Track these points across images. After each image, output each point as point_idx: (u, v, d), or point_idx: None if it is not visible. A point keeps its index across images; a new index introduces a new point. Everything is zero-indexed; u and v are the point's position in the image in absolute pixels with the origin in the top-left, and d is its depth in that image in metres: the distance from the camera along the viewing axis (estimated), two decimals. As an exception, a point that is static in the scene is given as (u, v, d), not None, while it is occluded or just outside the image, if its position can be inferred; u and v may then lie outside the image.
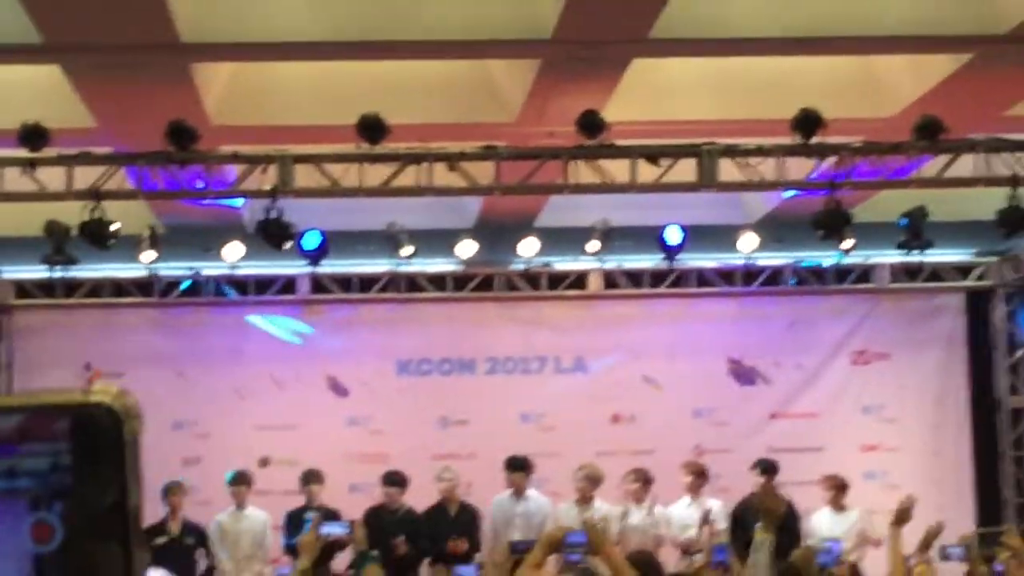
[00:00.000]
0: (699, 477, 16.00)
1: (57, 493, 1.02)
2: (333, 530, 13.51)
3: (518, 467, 15.96)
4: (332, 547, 14.31)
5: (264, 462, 17.42)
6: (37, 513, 1.02)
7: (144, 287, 17.90)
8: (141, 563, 1.04)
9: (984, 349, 18.90)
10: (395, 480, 15.89)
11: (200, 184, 14.51)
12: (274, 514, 15.95)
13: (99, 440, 1.01)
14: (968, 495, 18.52)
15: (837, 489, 15.81)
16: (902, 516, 10.65)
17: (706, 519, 15.31)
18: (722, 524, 15.46)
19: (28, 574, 1.03)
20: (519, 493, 15.90)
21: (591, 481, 15.79)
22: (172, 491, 15.36)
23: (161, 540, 14.89)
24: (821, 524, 15.60)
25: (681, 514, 15.85)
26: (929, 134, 13.99)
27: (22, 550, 1.02)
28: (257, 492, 16.20)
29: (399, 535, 15.35)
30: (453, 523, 15.63)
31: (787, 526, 15.35)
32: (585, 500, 15.66)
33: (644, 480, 15.90)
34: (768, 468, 16.16)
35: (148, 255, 16.76)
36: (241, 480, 15.80)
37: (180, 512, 15.42)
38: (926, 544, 10.74)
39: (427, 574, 15.88)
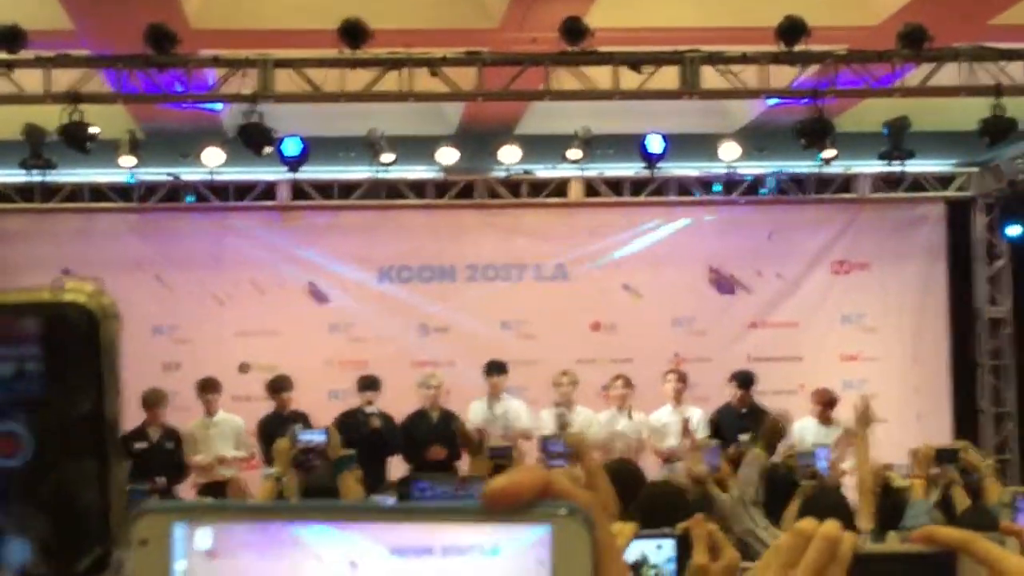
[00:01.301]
0: (681, 383, 16.02)
1: (26, 402, 0.96)
2: (310, 437, 13.50)
3: (496, 370, 15.95)
4: (309, 454, 14.29)
5: (244, 368, 17.41)
6: (3, 424, 0.97)
7: (123, 192, 17.81)
8: (119, 476, 0.98)
9: (964, 259, 18.93)
10: (367, 384, 15.87)
11: (180, 88, 14.42)
12: (253, 421, 15.92)
13: (72, 343, 0.95)
14: (946, 405, 18.63)
15: (826, 404, 15.81)
16: (863, 418, 10.62)
17: (686, 427, 15.36)
18: (702, 432, 15.49)
19: None
20: (496, 396, 15.89)
21: (573, 386, 15.80)
22: (152, 399, 15.32)
23: (141, 446, 14.88)
24: (806, 434, 15.62)
25: (663, 421, 15.87)
26: (913, 43, 13.95)
27: None
28: (236, 398, 16.20)
29: (374, 439, 15.31)
30: (434, 429, 15.64)
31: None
32: (566, 406, 15.67)
33: (628, 386, 15.93)
34: (745, 381, 16.18)
35: (127, 160, 16.66)
36: (208, 387, 15.76)
37: (159, 419, 15.39)
38: (864, 421, 10.67)
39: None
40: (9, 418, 0.96)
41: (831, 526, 1.68)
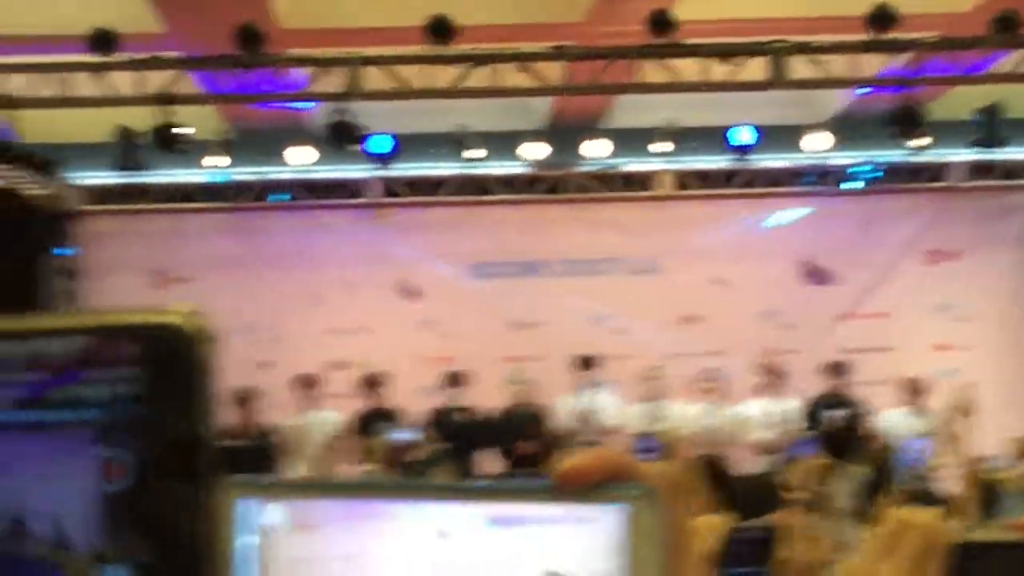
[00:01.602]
0: (774, 376, 15.95)
1: (126, 425, 0.97)
2: (403, 436, 13.59)
3: (585, 365, 15.96)
4: (403, 451, 14.40)
5: (340, 366, 17.48)
6: (105, 448, 0.97)
7: (214, 192, 17.95)
8: (218, 499, 0.99)
9: (1057, 247, 18.72)
10: (455, 380, 15.94)
11: (269, 88, 14.51)
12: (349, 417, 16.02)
13: (171, 364, 0.95)
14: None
15: (912, 393, 15.70)
16: (965, 407, 10.54)
17: (779, 421, 15.33)
18: (796, 424, 15.45)
19: (97, 514, 0.98)
20: (586, 391, 15.88)
21: (662, 380, 15.79)
22: (244, 397, 15.44)
23: (237, 444, 15.01)
24: (895, 424, 15.49)
25: (756, 414, 15.81)
26: (1005, 28, 13.81)
27: (90, 488, 0.97)
28: (331, 395, 16.27)
29: (465, 434, 15.38)
30: (523, 425, 15.66)
31: (858, 425, 15.40)
32: (655, 400, 15.64)
33: (718, 380, 15.89)
34: (836, 370, 16.10)
35: (218, 159, 16.78)
36: (306, 383, 15.87)
37: (254, 416, 15.51)
38: (964, 409, 10.60)
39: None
40: (111, 442, 0.96)
41: (929, 516, 1.68)
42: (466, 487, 1.01)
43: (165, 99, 14.41)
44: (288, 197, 18.08)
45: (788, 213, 18.45)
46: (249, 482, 1.01)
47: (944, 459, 13.63)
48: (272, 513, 1.00)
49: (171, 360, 0.97)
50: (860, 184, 18.29)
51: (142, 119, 14.82)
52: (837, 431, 14.79)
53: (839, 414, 15.10)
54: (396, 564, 0.99)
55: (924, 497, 10.24)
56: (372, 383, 15.91)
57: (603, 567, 0.99)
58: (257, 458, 15.05)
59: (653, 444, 13.89)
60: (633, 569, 0.98)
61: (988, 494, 10.24)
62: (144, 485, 0.96)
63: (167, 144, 14.82)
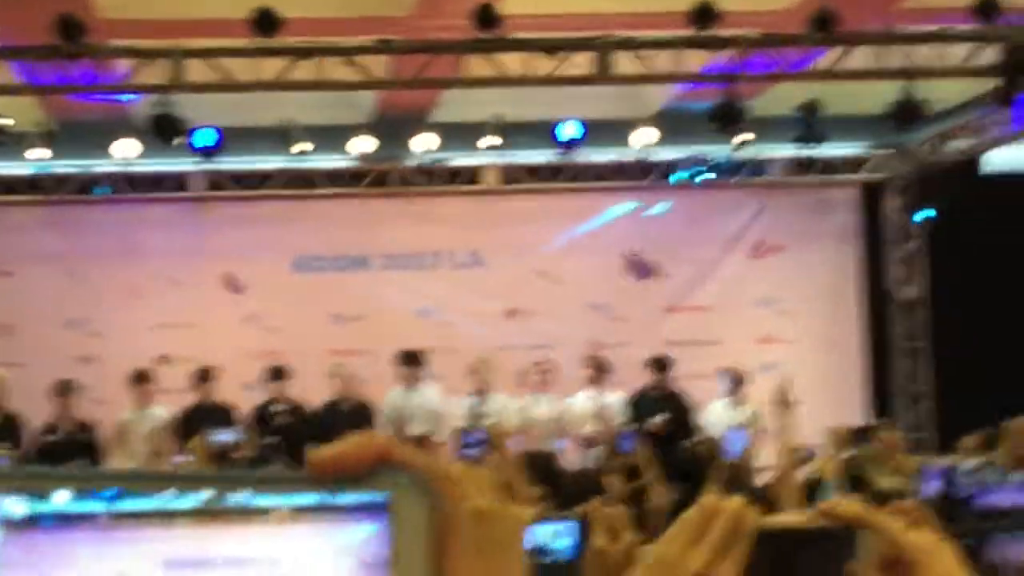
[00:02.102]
0: (599, 371, 16.03)
1: None
2: (223, 438, 13.46)
3: (409, 361, 15.91)
4: (226, 449, 14.26)
5: (164, 360, 17.26)
6: None
7: (35, 185, 17.64)
8: None
9: (877, 242, 19.08)
10: (276, 374, 15.80)
11: (90, 79, 14.28)
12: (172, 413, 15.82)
13: None
14: (861, 387, 18.75)
15: (735, 382, 15.91)
16: (784, 402, 10.68)
17: (604, 414, 15.42)
18: (621, 417, 15.57)
19: None
20: (412, 385, 15.84)
21: (489, 373, 15.78)
22: (62, 390, 15.19)
23: (52, 438, 14.76)
24: (718, 416, 15.71)
25: (581, 407, 15.89)
26: (824, 26, 14.03)
27: None
28: (159, 391, 16.05)
29: (288, 431, 15.23)
30: (346, 419, 15.59)
31: (681, 420, 15.56)
32: (481, 393, 15.65)
33: (548, 371, 15.93)
34: (660, 365, 16.22)
35: (38, 152, 16.50)
36: (143, 379, 15.64)
37: (72, 411, 15.24)
38: (783, 401, 10.74)
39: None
40: None
41: (736, 502, 1.70)
42: (212, 475, 0.96)
43: (-18, 90, 14.13)
44: (111, 190, 17.83)
45: (615, 208, 18.58)
46: None
47: (762, 450, 13.83)
48: (12, 507, 0.93)
49: None
50: (684, 178, 18.48)
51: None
52: (659, 431, 14.95)
53: (659, 419, 15.26)
54: None
55: (741, 488, 10.40)
56: (202, 378, 15.70)
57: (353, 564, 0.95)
58: (76, 453, 14.80)
59: (479, 438, 13.88)
60: (394, 561, 0.95)
61: (808, 484, 10.40)
62: None
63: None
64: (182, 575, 0.94)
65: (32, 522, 0.93)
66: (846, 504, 1.75)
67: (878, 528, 1.72)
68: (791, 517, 1.80)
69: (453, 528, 0.96)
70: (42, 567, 0.93)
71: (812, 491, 9.74)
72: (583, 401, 15.94)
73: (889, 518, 1.75)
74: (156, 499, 0.95)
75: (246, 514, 0.96)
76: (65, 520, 0.94)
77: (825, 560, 1.73)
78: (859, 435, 10.83)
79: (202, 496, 0.96)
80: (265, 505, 0.96)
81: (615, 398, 15.91)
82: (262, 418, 15.32)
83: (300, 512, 0.96)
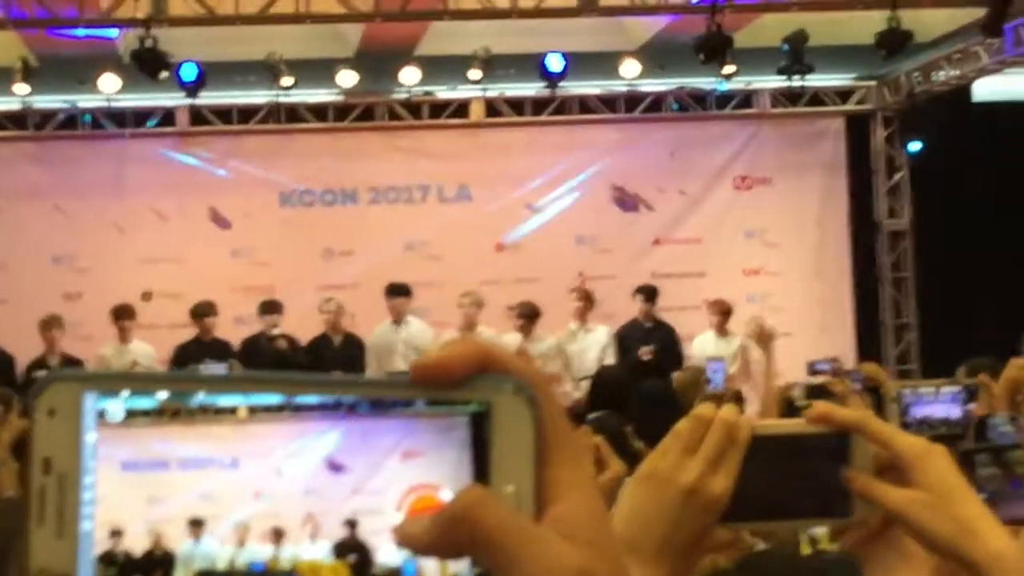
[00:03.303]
0: (587, 302, 16.01)
1: None
2: (215, 368, 13.43)
3: (398, 292, 15.88)
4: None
5: (147, 296, 17.25)
6: None
7: (18, 120, 17.57)
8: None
9: (864, 173, 19.07)
10: (269, 308, 15.78)
11: (71, 13, 14.20)
12: (160, 349, 15.81)
13: None
14: (848, 317, 18.78)
15: (723, 314, 15.89)
16: (762, 336, 10.69)
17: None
18: (610, 354, 15.56)
19: None
20: (399, 320, 15.84)
21: (478, 307, 15.75)
22: (49, 324, 15.18)
23: (41, 373, 14.73)
24: (705, 348, 15.72)
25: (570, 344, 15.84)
26: (809, -44, 13.99)
27: None
28: (140, 326, 16.03)
29: (278, 365, 15.23)
30: (337, 353, 15.60)
31: (669, 349, 15.56)
32: (470, 327, 15.63)
33: (530, 316, 15.78)
34: (650, 294, 16.21)
35: (21, 87, 16.44)
36: (124, 314, 15.60)
37: (59, 346, 15.24)
38: (763, 340, 10.76)
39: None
40: None
41: (729, 410, 1.70)
42: (322, 380, 0.94)
43: (-36, 25, 14.06)
44: (94, 125, 17.75)
45: (601, 140, 18.56)
46: (95, 374, 0.95)
47: (741, 384, 13.88)
48: (113, 410, 0.94)
49: None
50: (670, 110, 18.45)
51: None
52: (648, 360, 14.97)
53: (648, 349, 15.25)
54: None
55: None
56: (199, 313, 15.63)
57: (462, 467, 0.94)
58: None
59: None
60: (497, 472, 0.93)
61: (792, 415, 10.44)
62: None
63: (-33, 71, 14.47)
64: (139, 477, 0.94)
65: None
66: (840, 409, 1.76)
67: (872, 432, 1.73)
68: (785, 423, 1.81)
69: (555, 434, 0.94)
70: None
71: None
72: (571, 338, 15.87)
73: (884, 423, 1.76)
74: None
75: (209, 414, 0.95)
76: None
77: (819, 465, 1.74)
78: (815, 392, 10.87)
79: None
80: (227, 405, 0.95)
81: (602, 330, 15.90)
82: (254, 351, 15.29)
83: (261, 412, 0.95)
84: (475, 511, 0.90)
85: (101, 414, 0.94)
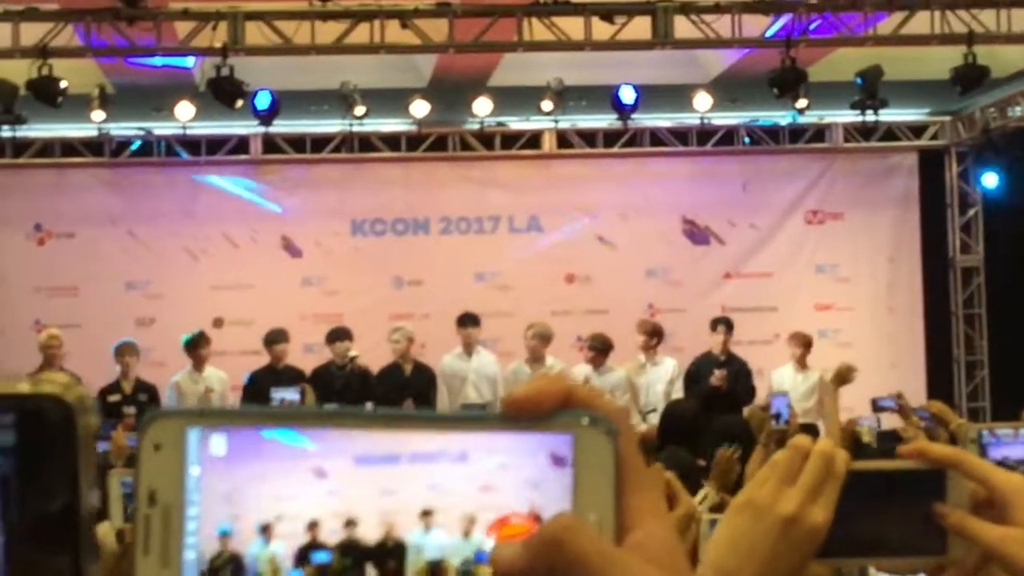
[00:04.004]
0: (653, 336, 15.92)
1: (2, 498, 0.95)
2: (285, 396, 13.46)
3: (469, 322, 15.91)
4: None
5: (218, 323, 17.36)
6: None
7: (94, 147, 17.75)
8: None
9: (937, 208, 18.96)
10: (339, 335, 15.79)
11: (149, 42, 14.34)
12: (232, 375, 15.85)
13: (49, 436, 0.94)
14: (920, 354, 18.66)
15: (804, 347, 15.76)
16: (842, 377, 10.64)
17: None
18: (679, 383, 15.47)
19: None
20: (469, 349, 15.86)
21: (542, 339, 15.71)
22: (124, 350, 15.27)
23: (114, 398, 14.83)
24: (783, 381, 15.55)
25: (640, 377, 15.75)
26: (885, -10, 13.93)
27: None
28: (212, 352, 16.10)
29: (348, 392, 15.25)
30: (407, 383, 15.61)
31: (742, 383, 15.45)
32: (536, 359, 15.61)
33: (601, 349, 15.67)
34: (729, 325, 16.00)
35: (98, 115, 16.59)
36: (200, 342, 15.64)
37: (132, 371, 15.32)
38: (840, 380, 10.69)
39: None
40: None
41: (827, 443, 1.70)
42: (419, 415, 1.00)
43: (43, 52, 14.20)
44: (168, 153, 17.90)
45: (673, 173, 18.53)
46: (197, 411, 0.99)
47: (816, 419, 13.79)
48: (215, 444, 0.98)
49: (50, 431, 0.95)
50: (742, 143, 18.41)
51: (20, 71, 14.58)
52: (717, 388, 14.90)
53: (719, 372, 15.18)
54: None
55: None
56: (271, 340, 15.65)
57: (541, 479, 0.99)
58: (135, 414, 14.87)
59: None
60: (580, 500, 0.97)
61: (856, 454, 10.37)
62: (15, 554, 0.94)
63: (45, 97, 14.61)
64: (373, 470, 0.99)
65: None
66: (935, 445, 1.75)
67: (968, 468, 1.72)
68: (883, 461, 1.80)
69: (632, 465, 0.98)
70: (234, 464, 0.98)
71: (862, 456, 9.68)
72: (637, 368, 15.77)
73: (981, 460, 1.75)
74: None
75: (443, 427, 1.01)
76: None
77: (914, 501, 1.73)
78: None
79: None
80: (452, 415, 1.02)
81: (670, 363, 15.79)
82: (324, 379, 15.31)
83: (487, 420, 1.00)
84: (566, 536, 0.94)
85: (206, 446, 0.97)
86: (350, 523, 0.99)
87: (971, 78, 15.09)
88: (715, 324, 16.08)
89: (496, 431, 0.99)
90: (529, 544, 0.95)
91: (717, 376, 15.12)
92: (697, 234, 18.62)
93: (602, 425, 0.97)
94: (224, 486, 0.98)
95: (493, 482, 0.99)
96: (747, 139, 18.51)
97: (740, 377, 15.54)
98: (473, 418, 1.01)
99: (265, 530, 0.99)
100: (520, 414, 0.98)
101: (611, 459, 0.97)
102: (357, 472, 0.99)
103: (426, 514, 1.00)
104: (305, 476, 0.99)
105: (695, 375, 15.49)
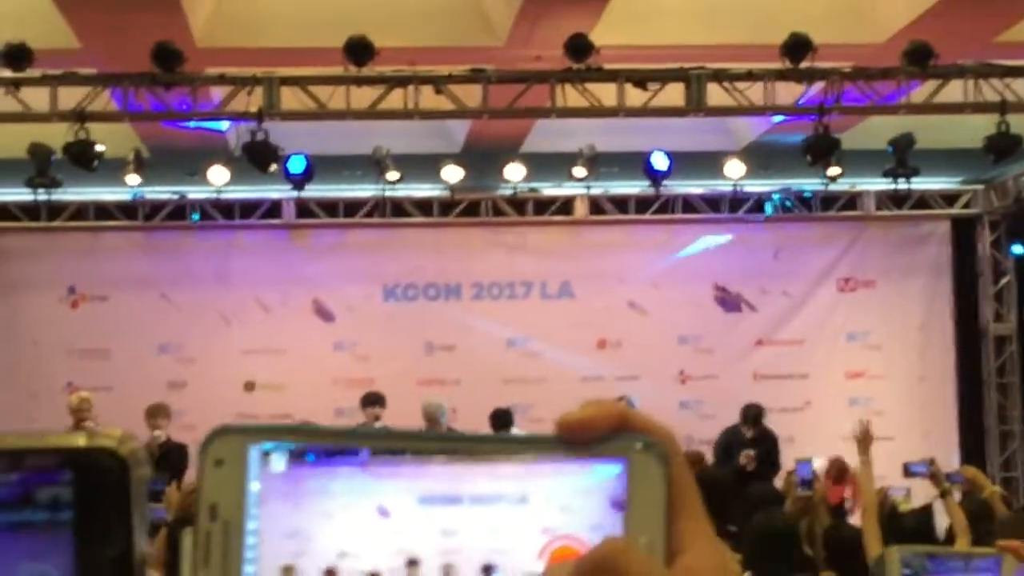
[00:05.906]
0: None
1: (58, 544, 0.97)
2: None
3: (502, 422, 15.78)
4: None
5: (249, 386, 17.40)
6: (36, 565, 0.97)
7: (129, 210, 17.84)
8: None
9: (969, 276, 18.93)
10: (372, 400, 15.79)
11: (185, 107, 14.44)
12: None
13: (104, 488, 0.96)
14: (952, 422, 18.59)
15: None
16: (864, 438, 10.56)
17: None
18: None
19: None
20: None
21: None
22: (155, 413, 15.27)
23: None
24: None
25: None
26: (918, 60, 13.96)
27: None
28: (243, 416, 16.16)
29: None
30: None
31: (770, 457, 15.34)
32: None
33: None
34: (756, 418, 15.60)
35: (133, 178, 16.71)
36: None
37: (164, 433, 15.31)
38: (864, 443, 10.59)
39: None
40: (42, 560, 0.96)
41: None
42: (475, 438, 1.01)
43: (79, 116, 14.31)
44: (201, 217, 17.99)
45: (705, 240, 18.55)
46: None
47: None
48: (276, 462, 0.99)
49: (105, 483, 0.98)
50: (775, 211, 18.40)
51: (57, 135, 14.70)
52: (748, 463, 14.82)
53: (748, 452, 15.05)
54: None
55: (813, 519, 10.43)
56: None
57: (600, 522, 0.99)
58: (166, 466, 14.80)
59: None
60: (632, 524, 0.98)
61: (898, 525, 10.30)
62: None
63: (81, 161, 14.71)
64: (436, 511, 1.00)
65: (294, 460, 1.00)
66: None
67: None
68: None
69: (683, 489, 0.98)
70: (302, 501, 0.99)
71: (908, 532, 9.62)
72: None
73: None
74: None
75: (497, 451, 1.01)
76: (326, 456, 1.00)
77: None
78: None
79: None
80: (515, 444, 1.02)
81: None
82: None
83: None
84: (618, 559, 0.95)
85: (266, 463, 0.99)
86: (412, 563, 1.00)
87: (1004, 146, 15.09)
88: (742, 416, 15.73)
89: (550, 454, 0.99)
90: (580, 567, 0.95)
91: (745, 456, 15.05)
92: (729, 301, 18.61)
93: (655, 449, 0.98)
94: (286, 513, 0.99)
95: (554, 525, 1.00)
96: (779, 206, 18.45)
97: (769, 451, 15.39)
98: (526, 440, 1.01)
99: (329, 574, 1.00)
100: (574, 437, 0.98)
101: (663, 483, 0.97)
102: (419, 512, 1.00)
103: (487, 570, 1.01)
104: (369, 514, 1.00)
105: (727, 447, 15.36)
